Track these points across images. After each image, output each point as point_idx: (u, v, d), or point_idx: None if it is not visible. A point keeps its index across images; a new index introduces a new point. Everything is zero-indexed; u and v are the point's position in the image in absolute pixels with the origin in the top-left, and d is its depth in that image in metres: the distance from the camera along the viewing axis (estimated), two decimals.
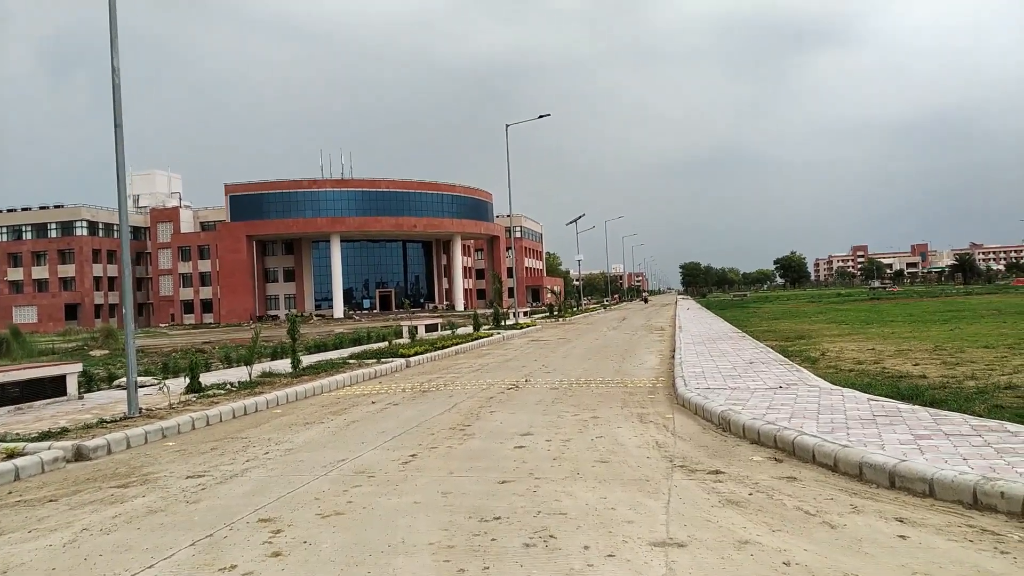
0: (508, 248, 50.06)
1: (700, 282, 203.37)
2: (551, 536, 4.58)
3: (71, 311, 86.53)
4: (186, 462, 7.39)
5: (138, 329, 76.57)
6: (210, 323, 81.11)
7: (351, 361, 16.92)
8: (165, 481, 6.56)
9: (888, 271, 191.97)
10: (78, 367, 12.29)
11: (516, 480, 6.00)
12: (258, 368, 15.09)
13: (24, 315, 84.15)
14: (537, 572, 4.00)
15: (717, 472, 6.04)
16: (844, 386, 9.44)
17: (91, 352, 29.80)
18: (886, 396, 8.45)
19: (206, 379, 13.91)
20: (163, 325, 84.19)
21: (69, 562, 4.48)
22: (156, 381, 12.26)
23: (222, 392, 11.94)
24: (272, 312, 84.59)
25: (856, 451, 5.77)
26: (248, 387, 12.49)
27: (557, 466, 6.44)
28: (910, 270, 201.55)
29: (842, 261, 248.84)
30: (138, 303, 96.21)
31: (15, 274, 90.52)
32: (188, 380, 12.14)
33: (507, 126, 37.64)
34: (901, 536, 4.32)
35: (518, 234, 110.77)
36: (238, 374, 14.28)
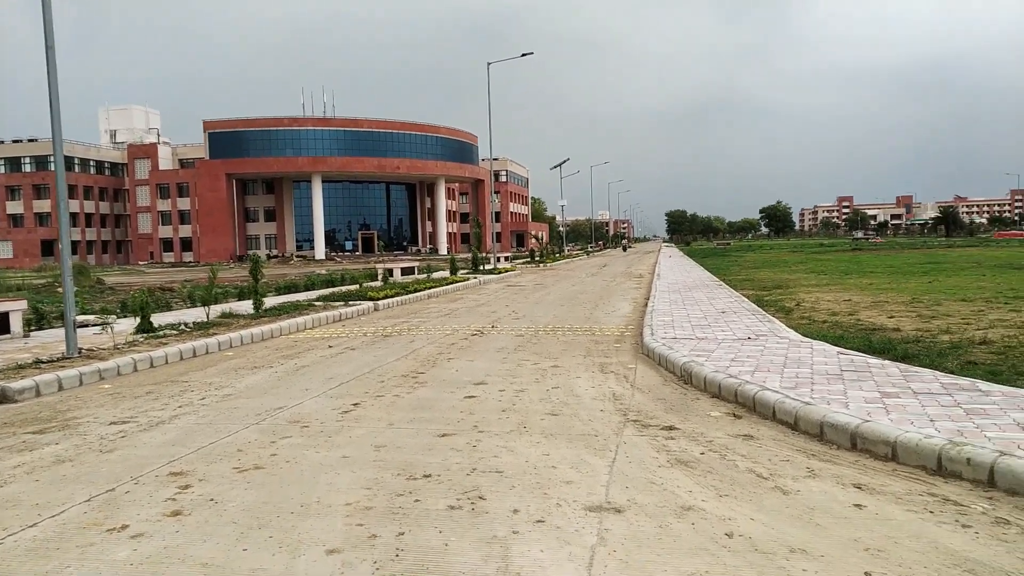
0: (494, 192, 49.28)
1: (685, 230, 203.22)
2: (480, 498, 4.21)
3: (47, 247, 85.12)
4: (116, 406, 6.96)
5: (115, 266, 75.61)
6: (190, 262, 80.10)
7: (317, 303, 16.45)
8: (86, 427, 6.14)
9: (872, 222, 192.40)
10: (22, 304, 11.75)
11: (457, 433, 5.62)
12: (220, 309, 14.63)
13: (0, 250, 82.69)
14: (455, 539, 3.62)
15: (671, 428, 5.68)
16: (815, 338, 9.10)
17: (58, 288, 29.15)
18: (857, 350, 8.11)
19: (164, 319, 13.43)
20: (142, 263, 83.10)
21: None
22: (101, 320, 11.74)
23: (174, 333, 11.46)
24: (253, 252, 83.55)
25: (818, 409, 5.41)
26: (203, 328, 12.02)
27: (504, 418, 6.06)
28: (894, 222, 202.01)
29: (828, 212, 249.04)
30: (116, 240, 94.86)
31: None
32: (138, 320, 11.63)
33: (488, 64, 36.57)
34: (857, 505, 3.97)
35: (504, 178, 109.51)
36: (198, 314, 13.78)
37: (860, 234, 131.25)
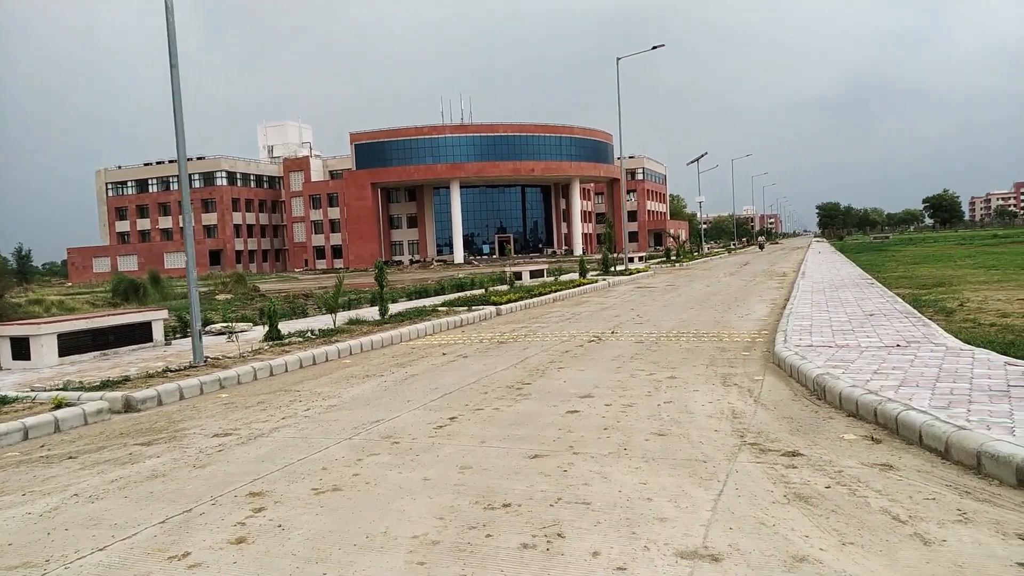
0: (630, 191, 48.15)
1: (839, 224, 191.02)
2: (559, 535, 3.75)
3: (215, 257, 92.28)
4: (225, 417, 7.07)
5: (273, 273, 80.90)
6: (340, 268, 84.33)
7: (441, 308, 16.51)
8: (190, 439, 6.22)
9: None
10: (163, 314, 12.45)
11: (550, 455, 5.18)
12: (348, 315, 14.97)
13: (174, 261, 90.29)
14: None
15: (794, 454, 4.97)
16: (978, 345, 7.91)
17: (217, 296, 31.12)
18: None
19: (296, 326, 13.89)
20: (297, 270, 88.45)
21: (30, 536, 4.11)
22: (228, 329, 12.24)
23: (299, 340, 11.75)
24: (397, 257, 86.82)
25: (974, 435, 4.53)
26: (327, 335, 12.27)
27: (605, 438, 5.56)
28: None
29: (1002, 199, 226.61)
30: (275, 249, 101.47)
31: (165, 222, 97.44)
32: (266, 328, 12.03)
33: (618, 59, 35.63)
34: (1022, 564, 3.18)
35: (640, 176, 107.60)
36: (328, 321, 14.14)
37: None
